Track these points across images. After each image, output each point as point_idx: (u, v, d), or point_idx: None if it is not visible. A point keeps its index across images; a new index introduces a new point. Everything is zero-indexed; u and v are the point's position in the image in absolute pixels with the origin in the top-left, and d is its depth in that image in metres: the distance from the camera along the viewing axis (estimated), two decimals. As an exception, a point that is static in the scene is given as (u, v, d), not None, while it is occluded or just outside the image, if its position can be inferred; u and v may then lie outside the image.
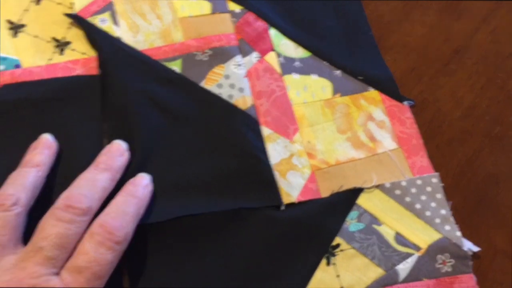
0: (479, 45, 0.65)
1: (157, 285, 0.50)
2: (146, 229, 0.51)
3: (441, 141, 0.60)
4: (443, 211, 0.56)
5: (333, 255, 0.53)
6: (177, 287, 0.50)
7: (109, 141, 0.54)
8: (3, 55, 0.58)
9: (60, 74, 0.58)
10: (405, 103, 0.62)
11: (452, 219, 0.56)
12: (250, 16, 0.64)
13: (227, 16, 0.64)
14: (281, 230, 0.53)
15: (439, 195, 0.57)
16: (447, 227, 0.55)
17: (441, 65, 0.63)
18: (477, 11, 0.67)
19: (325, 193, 0.56)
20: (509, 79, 0.64)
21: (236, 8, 0.64)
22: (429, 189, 0.57)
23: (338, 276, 0.52)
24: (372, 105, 0.61)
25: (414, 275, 0.53)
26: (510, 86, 0.63)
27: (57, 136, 0.54)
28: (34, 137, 0.53)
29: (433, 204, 0.56)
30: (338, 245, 0.54)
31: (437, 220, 0.55)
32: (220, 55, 0.61)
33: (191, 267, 0.51)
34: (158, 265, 0.51)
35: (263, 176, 0.55)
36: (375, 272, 0.53)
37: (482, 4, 0.68)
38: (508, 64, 0.64)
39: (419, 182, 0.57)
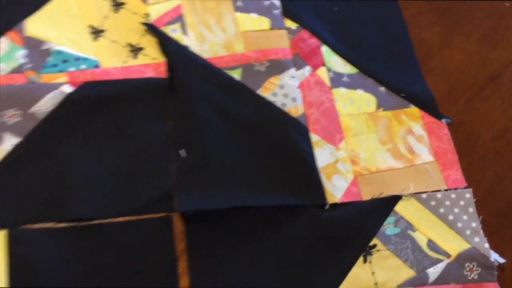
0: None
1: (219, 273, 0.57)
2: (209, 223, 0.59)
3: (474, 159, 0.67)
4: (473, 224, 0.62)
5: (370, 254, 0.60)
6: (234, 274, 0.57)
7: (173, 140, 0.62)
8: (85, 55, 0.67)
9: (133, 75, 0.67)
10: (443, 120, 0.69)
11: (481, 231, 0.62)
12: (305, 34, 0.72)
13: (284, 32, 0.72)
14: (325, 227, 0.60)
15: (471, 209, 0.63)
16: (476, 239, 0.61)
17: (477, 90, 0.71)
18: None
19: (366, 196, 0.63)
20: None
21: (293, 25, 0.73)
22: (462, 203, 0.63)
23: (373, 273, 0.59)
24: (412, 120, 0.68)
25: (443, 279, 0.59)
26: None
27: (126, 131, 0.63)
28: (107, 130, 0.62)
29: (464, 217, 0.63)
30: (375, 246, 0.60)
31: (468, 232, 0.62)
32: (276, 67, 0.69)
33: (248, 256, 0.59)
34: (224, 256, 0.58)
35: (310, 178, 0.62)
36: (407, 273, 0.59)
37: None
38: None
39: (453, 195, 0.64)
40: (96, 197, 0.60)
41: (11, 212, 0.58)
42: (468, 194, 0.64)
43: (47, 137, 0.62)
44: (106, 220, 0.59)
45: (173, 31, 0.69)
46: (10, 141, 0.60)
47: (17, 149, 0.60)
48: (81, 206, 0.59)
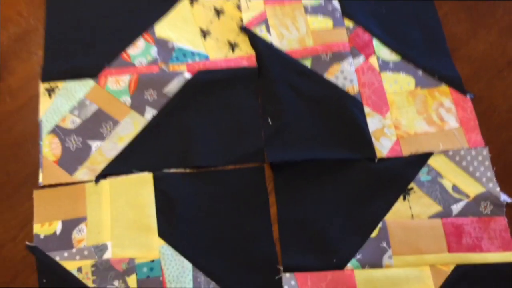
0: None
1: (297, 204, 0.76)
2: (290, 170, 0.77)
3: (491, 125, 0.82)
4: (488, 173, 0.79)
5: (408, 194, 0.77)
6: (308, 205, 0.76)
7: (263, 112, 0.80)
8: (198, 51, 0.86)
9: (232, 65, 0.85)
10: (468, 95, 0.84)
11: (494, 179, 0.78)
12: (359, 30, 0.89)
13: (343, 30, 0.88)
14: (375, 175, 0.78)
15: (487, 163, 0.79)
16: (490, 184, 0.78)
17: (496, 72, 0.85)
18: None
19: (406, 153, 0.80)
20: None
21: (350, 24, 0.89)
22: (480, 158, 0.79)
23: (410, 207, 0.77)
24: (443, 96, 0.84)
25: (463, 213, 0.76)
26: None
27: (229, 106, 0.81)
28: (216, 104, 0.81)
29: (481, 168, 0.79)
30: (412, 188, 0.78)
31: (484, 179, 0.78)
32: (338, 57, 0.86)
33: (318, 193, 0.77)
34: (301, 193, 0.77)
35: (364, 138, 0.80)
36: (436, 208, 0.77)
37: None
38: None
39: (473, 152, 0.80)
40: (211, 151, 0.78)
41: (154, 161, 0.77)
42: (485, 151, 0.79)
43: (175, 110, 0.80)
44: (218, 168, 0.78)
45: (260, 31, 0.87)
46: (150, 113, 0.80)
47: (155, 118, 0.80)
48: (201, 157, 0.78)
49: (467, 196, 0.77)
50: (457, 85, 0.85)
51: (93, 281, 0.71)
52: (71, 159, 0.77)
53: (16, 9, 0.87)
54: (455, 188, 0.77)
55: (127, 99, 0.81)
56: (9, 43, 0.84)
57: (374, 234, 0.75)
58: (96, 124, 0.79)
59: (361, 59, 0.86)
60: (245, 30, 0.87)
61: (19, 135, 0.78)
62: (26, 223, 0.74)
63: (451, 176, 0.78)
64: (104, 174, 0.77)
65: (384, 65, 0.86)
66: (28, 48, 0.84)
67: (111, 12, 0.88)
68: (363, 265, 0.73)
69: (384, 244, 0.74)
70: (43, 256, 0.72)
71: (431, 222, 0.76)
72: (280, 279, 0.72)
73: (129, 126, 0.79)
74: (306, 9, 0.90)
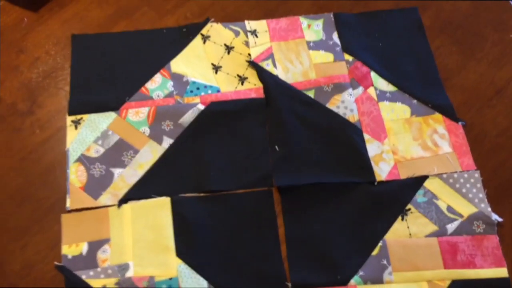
0: None
1: (304, 224, 0.82)
2: (296, 193, 0.84)
3: (482, 150, 0.87)
4: (480, 195, 0.84)
5: (406, 214, 0.83)
6: (314, 225, 0.82)
7: (270, 139, 0.87)
8: (210, 84, 0.93)
9: (242, 96, 0.92)
10: (459, 123, 0.90)
11: (486, 200, 0.83)
12: (358, 64, 0.95)
13: (343, 63, 0.95)
14: (375, 197, 0.84)
15: (479, 185, 0.85)
16: (482, 205, 0.83)
17: (486, 100, 0.91)
18: None
19: (403, 176, 0.85)
20: None
21: (349, 58, 0.96)
22: (472, 180, 0.85)
23: (408, 227, 0.82)
24: (437, 123, 0.90)
25: (457, 232, 0.81)
26: None
27: (239, 134, 0.88)
28: (227, 132, 0.87)
29: (474, 190, 0.85)
30: (409, 209, 0.83)
31: (476, 200, 0.84)
32: (339, 88, 0.92)
33: (323, 214, 0.82)
34: (307, 215, 0.83)
35: (364, 163, 0.86)
36: (432, 227, 0.82)
37: None
38: None
39: (466, 175, 0.86)
40: (223, 176, 0.84)
41: (172, 186, 0.83)
42: (477, 174, 0.85)
43: (190, 138, 0.87)
44: (230, 192, 0.83)
45: (267, 65, 0.94)
46: (167, 142, 0.87)
47: (171, 146, 0.86)
48: (214, 182, 0.84)
49: (461, 216, 0.82)
50: (449, 113, 0.91)
51: (117, 298, 0.77)
52: (96, 185, 0.84)
53: (44, 48, 0.95)
54: (449, 208, 0.83)
55: (146, 129, 0.88)
56: (39, 80, 0.92)
57: (375, 252, 0.80)
58: (118, 153, 0.86)
59: (360, 90, 0.93)
60: (253, 64, 0.95)
61: (48, 164, 0.85)
62: (54, 245, 0.80)
63: (446, 197, 0.84)
64: (125, 199, 0.83)
65: (382, 95, 0.93)
66: (55, 84, 0.92)
67: (130, 51, 0.95)
68: (365, 281, 0.78)
69: (385, 262, 0.79)
70: (71, 275, 0.78)
71: (427, 240, 0.81)
72: (289, 294, 0.77)
73: (148, 154, 0.86)
74: (308, 45, 0.97)
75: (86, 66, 0.94)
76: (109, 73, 0.93)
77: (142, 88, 0.92)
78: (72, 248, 0.80)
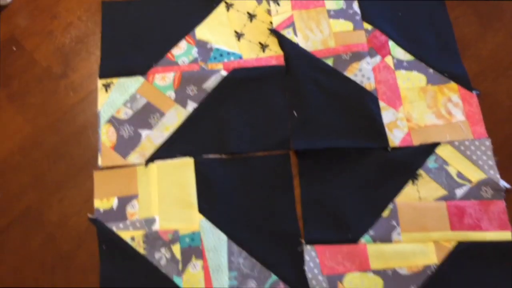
0: None
1: (319, 186, 0.87)
2: (312, 157, 0.88)
3: (495, 119, 0.90)
4: (490, 162, 0.87)
5: (417, 179, 0.87)
6: (329, 187, 0.87)
7: (289, 105, 0.91)
8: (233, 51, 0.97)
9: (263, 64, 0.95)
10: (474, 92, 0.92)
11: (495, 167, 0.87)
12: (377, 33, 0.98)
13: (362, 32, 0.98)
14: (388, 162, 0.88)
15: (489, 152, 0.88)
16: (491, 172, 0.87)
17: (502, 70, 0.93)
18: None
19: (416, 143, 0.89)
20: None
21: (369, 27, 0.98)
22: (483, 148, 0.88)
23: (418, 191, 0.86)
24: (452, 92, 0.93)
25: (466, 197, 0.85)
26: None
27: (259, 100, 0.92)
28: (249, 97, 0.91)
29: (484, 157, 0.88)
30: (420, 174, 0.87)
31: (486, 167, 0.87)
32: (357, 57, 0.95)
33: (338, 177, 0.87)
34: (322, 177, 0.87)
35: (379, 130, 0.89)
36: (442, 192, 0.86)
37: None
38: None
39: (477, 143, 0.89)
40: (243, 139, 0.89)
41: (195, 147, 0.88)
42: (488, 142, 0.88)
43: (213, 103, 0.91)
44: (250, 154, 0.88)
45: (288, 33, 0.97)
46: (191, 106, 0.91)
47: (195, 110, 0.91)
48: (235, 144, 0.88)
49: (470, 181, 0.86)
50: (464, 82, 0.93)
51: (144, 249, 0.84)
52: (125, 145, 0.90)
53: (76, 14, 0.99)
54: (459, 174, 0.87)
55: (171, 94, 0.93)
56: (71, 45, 0.97)
57: (385, 213, 0.85)
58: (145, 115, 0.92)
59: (377, 58, 0.96)
60: (274, 32, 0.98)
61: (81, 124, 0.91)
62: (87, 199, 0.87)
63: (456, 163, 0.87)
64: (152, 158, 0.89)
65: (399, 64, 0.95)
66: (87, 49, 0.97)
67: (157, 18, 0.99)
68: (374, 240, 0.83)
69: (394, 223, 0.84)
70: (102, 227, 0.85)
71: (436, 204, 0.85)
72: (302, 251, 0.84)
73: (174, 117, 0.91)
74: (329, 13, 0.99)
75: (115, 32, 0.99)
76: (137, 39, 0.98)
77: (168, 54, 0.96)
78: (103, 202, 0.87)
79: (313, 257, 0.83)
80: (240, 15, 1.00)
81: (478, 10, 0.98)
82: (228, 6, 1.00)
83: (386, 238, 0.83)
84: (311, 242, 0.84)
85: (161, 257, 0.84)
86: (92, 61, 0.96)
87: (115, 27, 0.99)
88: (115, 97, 0.93)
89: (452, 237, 0.83)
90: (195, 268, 0.84)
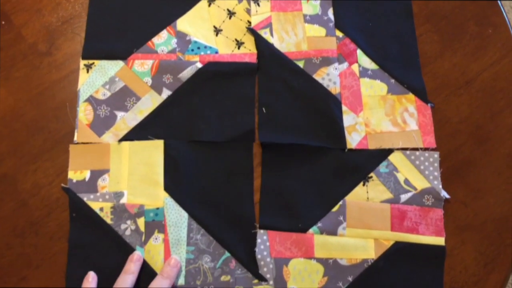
0: (482, 80, 1.00)
1: (279, 178, 0.93)
2: (275, 150, 0.94)
3: (442, 134, 0.96)
4: (435, 173, 0.94)
5: (368, 181, 0.94)
6: (288, 179, 0.93)
7: (259, 101, 0.97)
8: (210, 45, 1.01)
9: (237, 60, 1.00)
10: (429, 104, 0.98)
11: (439, 178, 0.93)
12: (347, 40, 1.03)
13: (334, 39, 1.03)
14: (343, 162, 0.94)
15: (436, 164, 0.94)
16: (435, 182, 0.93)
17: (454, 89, 0.99)
18: (489, 58, 1.03)
19: (371, 147, 0.95)
20: (496, 105, 0.99)
21: (340, 34, 1.03)
22: (431, 159, 0.95)
23: (367, 192, 0.93)
24: (409, 102, 0.99)
25: (409, 202, 0.92)
26: (495, 109, 0.98)
27: (230, 93, 0.97)
28: (221, 90, 0.97)
29: (431, 168, 0.94)
30: (371, 177, 0.94)
31: (431, 177, 0.94)
32: (326, 61, 1.01)
33: (297, 171, 0.93)
34: (282, 170, 0.93)
35: (339, 132, 0.95)
36: (388, 195, 0.93)
37: (493, 52, 1.03)
38: (498, 94, 0.99)
39: (426, 154, 0.95)
40: (212, 128, 0.94)
41: (166, 132, 0.94)
42: (436, 155, 0.93)
43: (186, 92, 0.96)
44: (216, 141, 0.93)
45: (265, 33, 1.01)
46: (166, 93, 0.96)
47: (169, 97, 0.95)
48: (203, 133, 0.93)
49: (415, 188, 0.93)
50: (422, 95, 0.99)
51: (111, 219, 0.91)
52: (100, 124, 0.95)
53: (65, -5, 1.04)
54: (406, 181, 0.93)
55: (148, 80, 0.98)
56: (58, 24, 1.02)
57: (334, 209, 0.92)
58: (122, 98, 0.97)
59: (345, 65, 1.01)
60: (252, 31, 1.03)
61: (60, 100, 0.96)
62: (61, 172, 0.92)
63: (405, 171, 0.94)
64: (125, 139, 0.94)
65: (364, 72, 1.01)
66: (72, 30, 1.02)
67: (142, 6, 1.04)
68: (321, 231, 0.91)
69: (341, 218, 0.91)
70: (74, 196, 0.91)
71: (381, 205, 0.92)
72: (256, 233, 0.91)
73: (148, 102, 0.97)
74: (305, 18, 1.05)
75: (101, 16, 1.03)
76: (122, 25, 1.03)
77: (149, 42, 1.01)
78: (77, 174, 0.93)
79: (264, 241, 0.90)
80: (220, 11, 1.04)
81: (441, 30, 1.03)
82: (210, 1, 1.05)
83: (332, 231, 0.91)
84: (264, 227, 0.91)
85: (126, 228, 0.91)
86: (76, 41, 1.00)
87: (101, 11, 1.03)
88: (95, 78, 0.98)
89: (391, 237, 0.91)
90: (156, 240, 0.90)
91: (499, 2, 1.07)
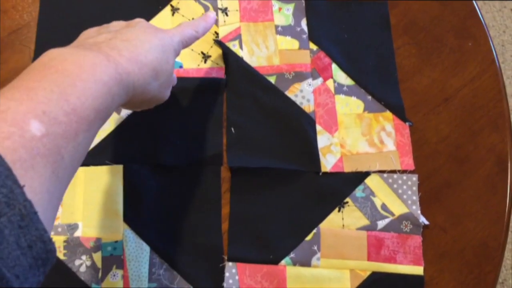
0: (462, 97, 0.97)
1: (249, 205, 0.88)
2: (245, 174, 0.89)
3: (420, 155, 0.93)
4: (414, 197, 0.90)
5: (343, 207, 0.89)
6: (258, 206, 0.88)
7: (227, 120, 0.91)
8: None
9: (203, 75, 0.94)
10: (407, 123, 0.94)
11: (418, 203, 0.90)
12: (322, 54, 0.98)
13: (307, 52, 0.98)
14: (317, 186, 0.90)
15: (414, 188, 0.90)
16: (414, 207, 0.89)
17: (433, 107, 0.95)
18: (469, 72, 0.99)
19: (347, 170, 0.91)
20: (476, 123, 0.95)
21: (314, 47, 0.98)
22: (409, 183, 0.91)
23: (342, 218, 0.89)
24: (386, 121, 0.95)
25: (386, 228, 0.88)
26: (475, 127, 0.95)
27: (196, 112, 0.91)
28: (185, 108, 0.91)
29: (409, 192, 0.91)
30: (347, 202, 0.89)
31: (409, 202, 0.90)
32: (299, 77, 0.95)
33: (268, 196, 0.88)
34: (252, 196, 0.88)
35: (312, 154, 0.91)
36: (365, 221, 0.89)
37: (473, 67, 0.99)
38: (478, 112, 0.96)
39: (404, 177, 0.91)
40: (175, 151, 0.88)
41: (126, 156, 0.88)
42: (414, 178, 0.90)
43: (147, 111, 0.85)
44: (180, 166, 0.88)
45: (234, 46, 0.95)
46: (125, 112, 0.90)
47: (129, 117, 0.89)
48: (166, 156, 0.88)
49: (393, 214, 0.89)
50: (399, 113, 0.95)
51: (64, 254, 0.84)
52: (52, 148, 0.87)
53: (11, 3, 0.94)
54: (383, 206, 0.89)
55: (106, 98, 0.90)
56: (4, 35, 0.93)
57: (308, 237, 0.87)
58: (77, 118, 0.89)
59: (319, 81, 0.96)
60: (219, 43, 0.96)
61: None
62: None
63: (382, 195, 0.90)
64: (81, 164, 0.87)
65: (339, 88, 0.96)
66: (20, 41, 0.92)
67: (98, 15, 0.96)
68: (294, 263, 0.86)
69: (315, 248, 0.87)
70: (21, 231, 0.83)
71: (358, 233, 0.88)
72: (224, 266, 0.85)
73: (106, 123, 0.89)
74: (277, 29, 0.99)
75: (52, 26, 0.95)
76: (76, 35, 0.93)
77: (106, 56, 0.92)
78: (24, 205, 0.84)
79: (233, 274, 0.85)
80: (185, 20, 0.97)
81: (419, 42, 0.99)
82: (174, 10, 0.98)
83: (305, 262, 0.86)
84: (233, 259, 0.86)
85: (81, 264, 0.84)
86: (25, 54, 0.92)
87: (52, 21, 0.95)
88: (46, 96, 0.89)
89: (367, 267, 0.86)
90: (114, 277, 0.84)
91: (478, 13, 1.02)
